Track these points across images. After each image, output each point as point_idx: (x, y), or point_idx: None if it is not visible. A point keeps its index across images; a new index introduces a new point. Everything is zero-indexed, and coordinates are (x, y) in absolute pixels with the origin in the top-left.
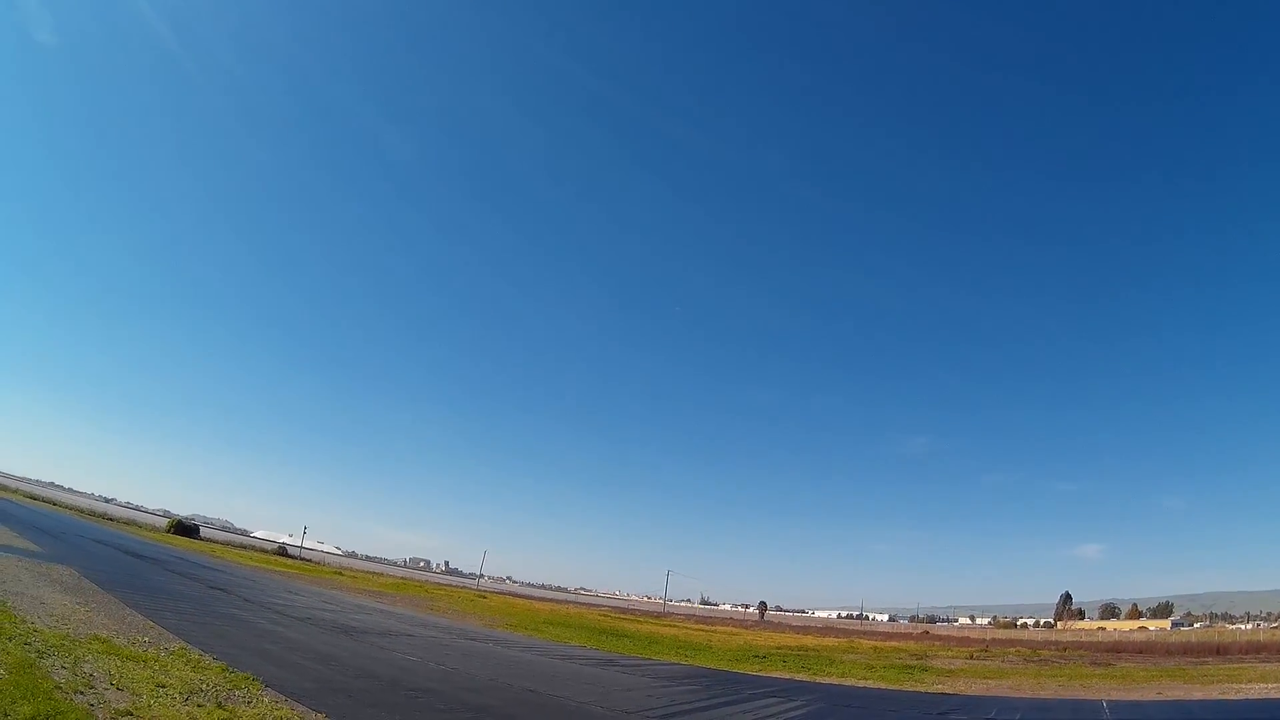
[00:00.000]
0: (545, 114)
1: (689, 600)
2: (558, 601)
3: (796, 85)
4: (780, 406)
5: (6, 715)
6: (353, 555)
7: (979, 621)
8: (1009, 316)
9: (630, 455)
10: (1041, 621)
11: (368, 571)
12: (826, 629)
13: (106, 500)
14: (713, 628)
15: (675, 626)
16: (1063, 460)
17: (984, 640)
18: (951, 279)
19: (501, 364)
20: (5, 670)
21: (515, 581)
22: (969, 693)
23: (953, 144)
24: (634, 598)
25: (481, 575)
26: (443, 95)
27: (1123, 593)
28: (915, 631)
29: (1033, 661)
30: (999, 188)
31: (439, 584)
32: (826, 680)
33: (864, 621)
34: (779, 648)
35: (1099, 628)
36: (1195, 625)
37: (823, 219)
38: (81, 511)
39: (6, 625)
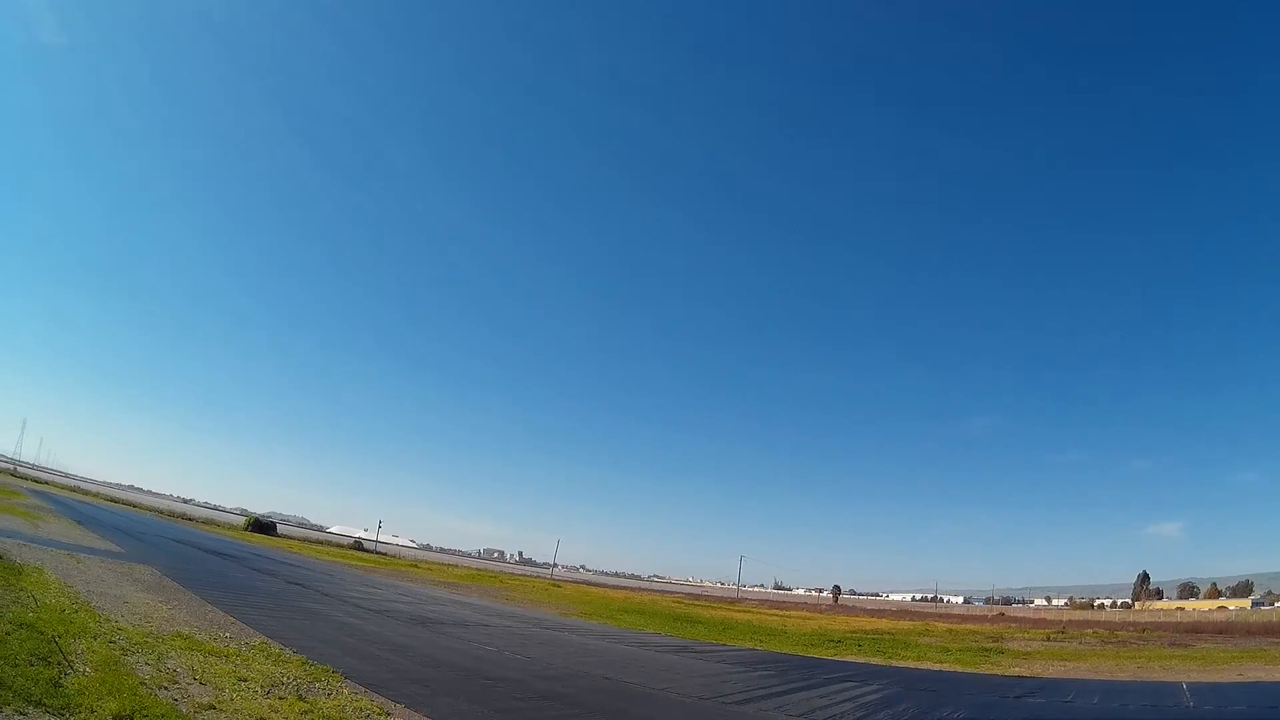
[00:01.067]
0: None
1: (762, 585)
2: (631, 589)
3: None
4: (847, 389)
5: (94, 712)
6: (427, 548)
7: (1055, 602)
8: (1080, 299)
9: (701, 442)
10: (1119, 602)
11: (442, 563)
12: (901, 612)
13: (185, 501)
14: (786, 612)
15: (749, 612)
16: (1139, 436)
17: (1060, 621)
18: (1021, 266)
19: (571, 356)
20: (91, 668)
21: (589, 570)
22: (1046, 675)
23: (1015, 133)
24: (707, 584)
25: (555, 564)
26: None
27: (1201, 571)
28: (990, 613)
29: (1110, 643)
30: (1071, 177)
31: (513, 574)
32: (902, 664)
33: (939, 604)
34: (853, 631)
35: (1177, 608)
36: (1276, 604)
37: (881, 211)
38: (161, 512)
39: (91, 624)
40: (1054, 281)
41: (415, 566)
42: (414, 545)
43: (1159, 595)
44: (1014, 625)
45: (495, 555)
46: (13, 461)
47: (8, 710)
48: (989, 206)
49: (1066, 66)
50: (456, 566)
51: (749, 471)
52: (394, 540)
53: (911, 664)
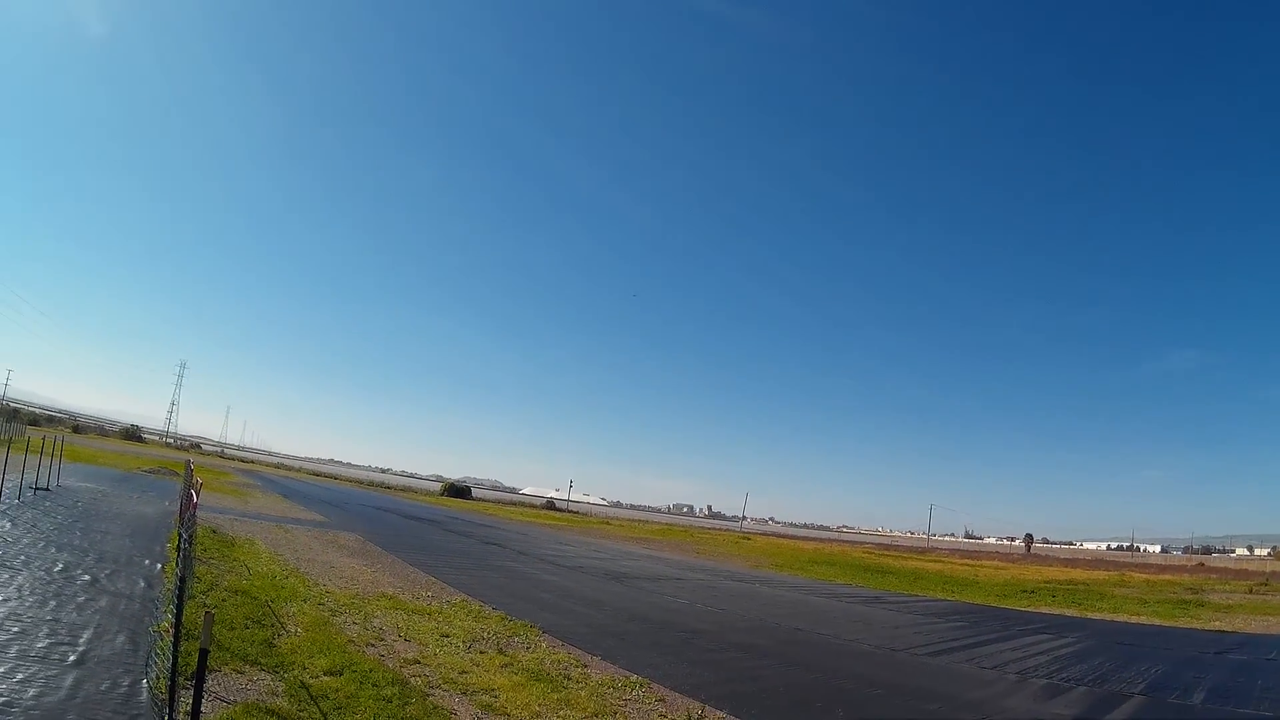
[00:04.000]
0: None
1: (952, 534)
2: (821, 540)
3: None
4: (1040, 325)
5: (305, 669)
6: (618, 505)
7: (1258, 552)
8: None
9: (888, 388)
10: None
11: (633, 520)
12: (1095, 561)
13: (383, 471)
14: (978, 562)
15: (940, 562)
16: None
17: (1263, 573)
18: (1209, 197)
19: (758, 310)
20: (302, 629)
21: (777, 522)
22: (1248, 630)
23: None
24: (896, 534)
25: (744, 518)
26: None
27: None
28: (1189, 564)
29: None
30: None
31: (703, 528)
32: (1097, 616)
33: (1134, 553)
34: (1047, 582)
35: None
36: None
37: (1062, 143)
38: (361, 483)
39: (300, 589)
40: (1246, 207)
41: (607, 524)
42: (604, 503)
43: None
44: (1214, 576)
45: (685, 510)
46: (220, 445)
47: (226, 670)
48: (1169, 130)
49: None
50: (647, 523)
51: (939, 418)
52: (585, 499)
53: (1107, 616)
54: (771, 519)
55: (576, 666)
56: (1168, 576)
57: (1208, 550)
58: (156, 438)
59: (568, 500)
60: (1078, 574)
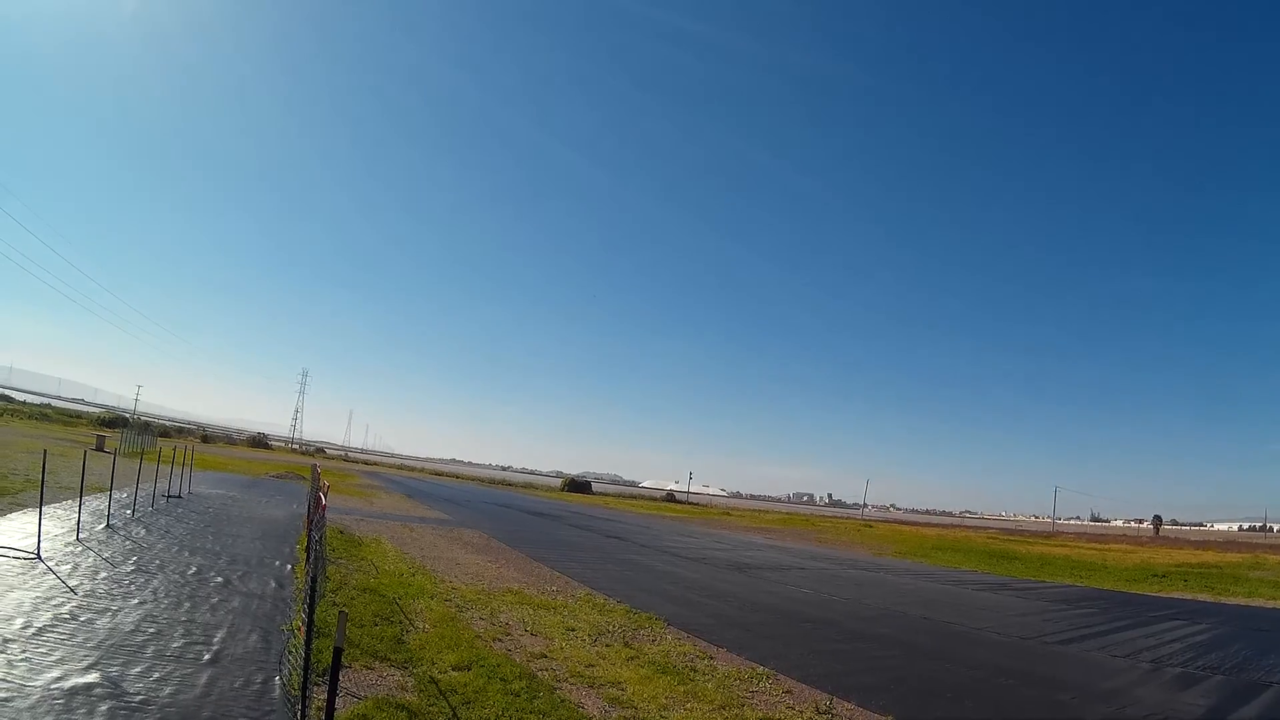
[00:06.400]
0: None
1: (1078, 518)
2: (943, 526)
3: None
4: (1162, 294)
5: (434, 664)
6: (737, 495)
7: None
8: None
9: (1008, 369)
10: None
11: (753, 509)
12: (1228, 543)
13: (503, 468)
14: (1106, 546)
15: (1066, 546)
16: None
17: None
18: None
19: (870, 296)
20: (430, 625)
21: (898, 509)
22: None
23: None
24: (1021, 518)
25: (865, 505)
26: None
27: None
28: None
29: None
30: None
31: (824, 516)
32: (1232, 600)
33: (1268, 533)
34: (1178, 565)
35: None
36: None
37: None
38: (482, 481)
39: (427, 585)
40: None
41: (727, 514)
42: (724, 494)
43: None
44: None
45: (805, 499)
46: (344, 448)
47: (357, 666)
48: None
49: None
50: (768, 512)
51: (1060, 398)
52: (704, 490)
53: (1242, 601)
54: (892, 506)
55: (702, 658)
56: None
57: None
58: (282, 444)
59: (687, 492)
60: (1210, 556)
